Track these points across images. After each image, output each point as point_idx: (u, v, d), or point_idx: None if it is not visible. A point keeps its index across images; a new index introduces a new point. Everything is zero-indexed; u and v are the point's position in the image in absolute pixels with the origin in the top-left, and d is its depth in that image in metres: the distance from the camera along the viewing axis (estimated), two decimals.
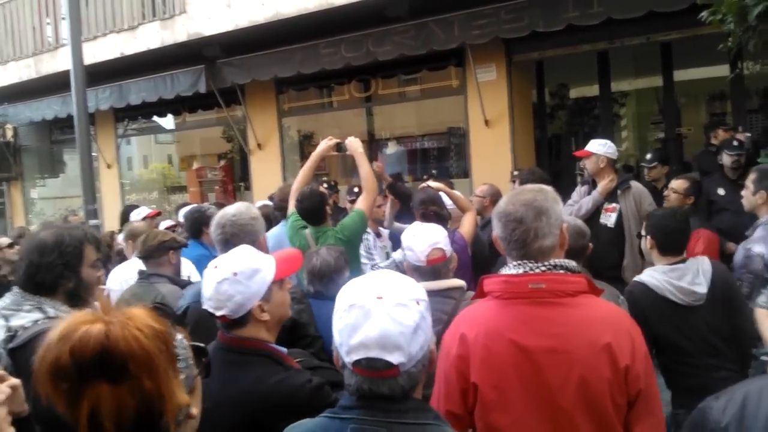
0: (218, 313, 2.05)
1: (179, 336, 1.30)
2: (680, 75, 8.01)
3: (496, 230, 2.05)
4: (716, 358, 3.12)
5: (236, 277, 2.03)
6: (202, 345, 1.42)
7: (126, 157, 12.89)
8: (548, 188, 2.10)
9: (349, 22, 7.72)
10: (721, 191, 5.51)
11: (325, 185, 6.97)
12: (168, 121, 12.13)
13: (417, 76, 8.98)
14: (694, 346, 3.12)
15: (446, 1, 7.12)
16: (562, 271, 1.97)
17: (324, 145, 4.43)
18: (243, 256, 2.13)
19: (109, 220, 10.77)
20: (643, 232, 3.38)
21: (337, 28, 7.91)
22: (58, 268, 2.36)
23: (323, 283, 3.29)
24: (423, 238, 2.91)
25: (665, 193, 5.12)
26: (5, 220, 14.00)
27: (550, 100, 9.74)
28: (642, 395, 1.90)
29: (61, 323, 1.15)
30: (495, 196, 5.35)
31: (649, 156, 6.19)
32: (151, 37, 9.24)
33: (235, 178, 11.94)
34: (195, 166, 12.60)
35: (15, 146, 13.54)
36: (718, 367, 3.10)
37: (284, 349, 2.18)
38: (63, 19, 10.08)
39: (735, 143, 5.64)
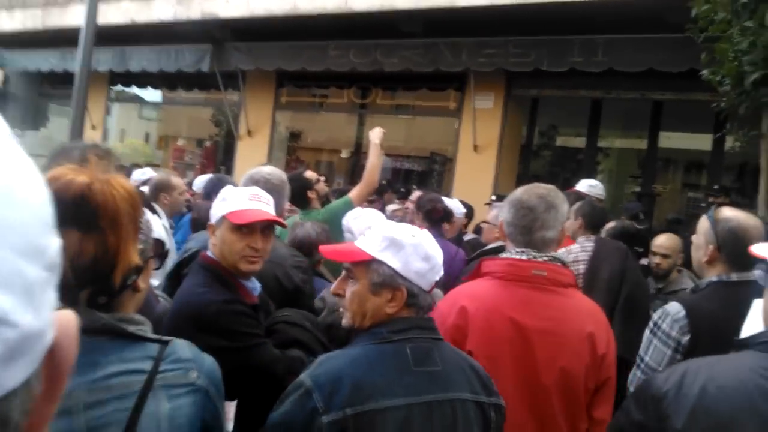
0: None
1: (146, 217, 1.44)
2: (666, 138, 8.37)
3: (506, 216, 2.24)
4: None
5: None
6: (163, 240, 1.77)
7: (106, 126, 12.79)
8: (559, 191, 2.30)
9: (362, 29, 7.94)
10: None
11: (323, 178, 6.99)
12: (154, 95, 12.13)
13: (416, 93, 9.22)
14: None
15: (458, 26, 7.39)
16: (559, 264, 2.18)
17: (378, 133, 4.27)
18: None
19: None
20: None
21: (349, 33, 8.11)
22: None
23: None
24: (363, 221, 3.18)
25: None
26: None
27: (538, 140, 10.05)
28: (608, 383, 2.14)
29: (52, 171, 1.23)
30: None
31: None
32: (165, 9, 9.30)
33: (217, 162, 11.94)
34: (177, 143, 12.57)
35: (2, 92, 13.36)
36: None
37: (254, 286, 2.27)
38: None
39: None
